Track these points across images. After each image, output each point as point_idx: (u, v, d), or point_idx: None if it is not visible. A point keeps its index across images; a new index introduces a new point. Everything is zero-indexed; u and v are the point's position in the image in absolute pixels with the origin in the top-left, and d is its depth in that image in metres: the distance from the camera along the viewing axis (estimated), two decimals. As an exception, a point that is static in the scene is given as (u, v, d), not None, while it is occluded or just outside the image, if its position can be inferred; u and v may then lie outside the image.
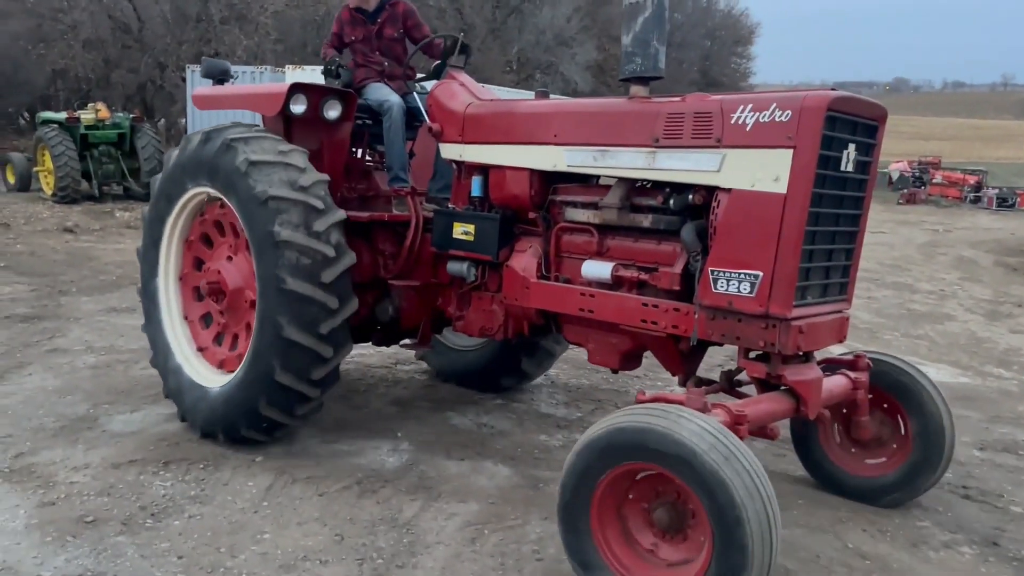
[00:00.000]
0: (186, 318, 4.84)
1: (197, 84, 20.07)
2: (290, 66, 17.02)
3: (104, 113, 16.72)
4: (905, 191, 32.93)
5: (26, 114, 25.96)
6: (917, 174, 40.26)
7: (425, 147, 5.02)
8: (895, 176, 42.67)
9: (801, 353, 3.37)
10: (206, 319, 4.79)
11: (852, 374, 3.81)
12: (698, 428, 2.73)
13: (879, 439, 4.04)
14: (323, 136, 4.66)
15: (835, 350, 4.88)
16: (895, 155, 62.17)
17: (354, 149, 5.22)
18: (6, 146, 22.50)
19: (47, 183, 16.44)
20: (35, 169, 16.95)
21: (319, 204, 4.10)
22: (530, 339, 4.74)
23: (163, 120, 26.94)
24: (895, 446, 4.02)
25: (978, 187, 32.93)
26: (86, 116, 16.49)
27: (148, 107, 25.36)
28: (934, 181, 34.45)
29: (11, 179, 17.67)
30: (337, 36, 5.48)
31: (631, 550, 2.98)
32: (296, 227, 4.00)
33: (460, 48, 4.87)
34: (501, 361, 5.52)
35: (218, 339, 4.71)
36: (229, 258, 4.53)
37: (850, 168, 3.33)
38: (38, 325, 7.11)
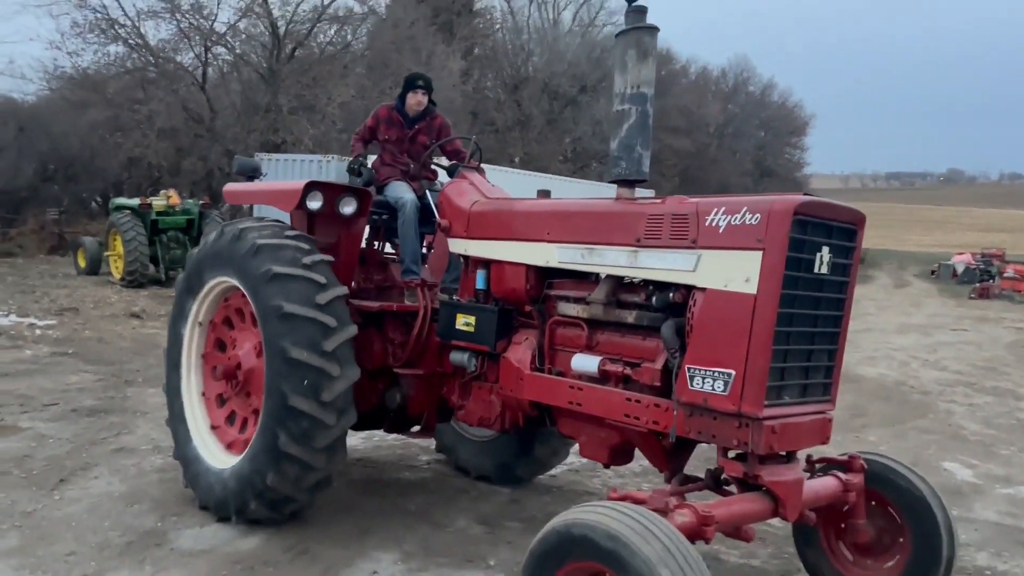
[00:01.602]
0: (203, 394, 5.08)
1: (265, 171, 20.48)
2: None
3: (175, 199, 17.12)
4: (977, 285, 31.77)
5: (99, 199, 26.76)
6: (982, 267, 39.14)
7: (442, 241, 5.25)
8: (960, 269, 41.51)
9: (783, 453, 3.41)
10: (220, 399, 5.04)
11: (844, 476, 3.76)
12: (639, 528, 2.77)
13: (878, 543, 3.95)
14: (340, 229, 4.98)
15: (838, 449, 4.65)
16: (955, 247, 60.94)
17: (374, 242, 5.63)
18: (79, 230, 23.20)
19: (116, 267, 16.77)
20: (106, 253, 17.31)
21: (321, 279, 4.37)
22: (532, 430, 4.86)
23: (228, 206, 27.50)
24: (894, 551, 3.90)
25: (1054, 282, 31.62)
26: (157, 202, 16.96)
27: (215, 193, 26.00)
28: (1005, 275, 33.18)
29: (82, 263, 18.11)
30: (371, 130, 5.82)
31: None
32: (300, 301, 4.28)
33: (473, 150, 5.30)
34: (515, 451, 5.59)
35: (230, 419, 4.94)
36: (246, 343, 4.78)
37: (825, 270, 3.41)
38: (105, 420, 7.05)
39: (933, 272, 43.03)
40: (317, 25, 26.48)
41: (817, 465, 3.91)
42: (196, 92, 25.36)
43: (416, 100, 5.72)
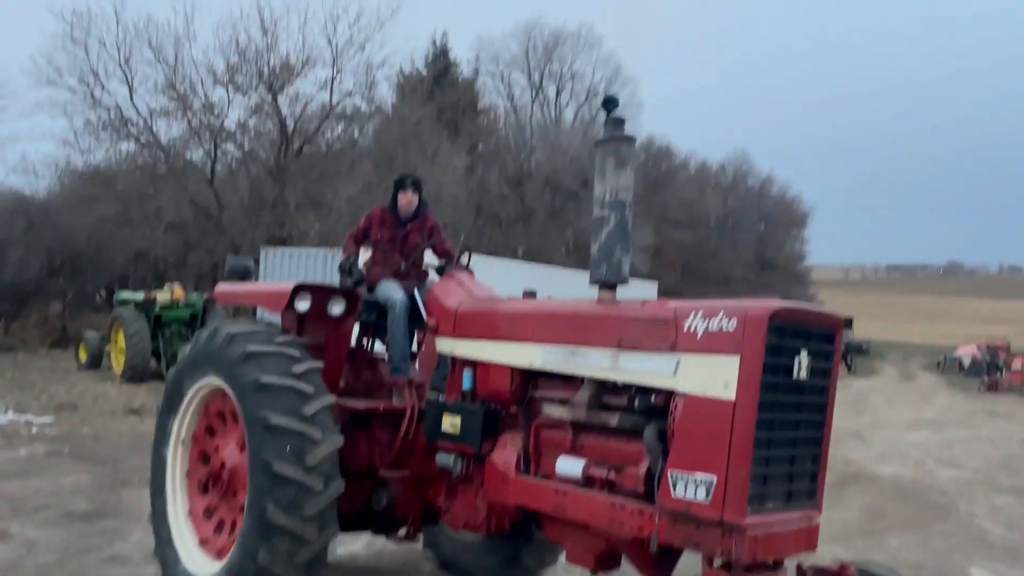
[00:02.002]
0: (189, 513, 4.97)
1: (270, 265, 20.63)
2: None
3: (179, 293, 17.13)
4: (986, 378, 31.45)
5: (103, 292, 26.81)
6: (988, 359, 38.90)
7: (432, 339, 5.25)
8: (966, 361, 41.23)
9: (770, 562, 3.35)
10: (207, 513, 4.94)
11: None
12: None
13: None
14: (329, 329, 5.01)
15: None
16: (959, 338, 60.70)
17: (364, 340, 5.66)
18: (82, 323, 23.09)
19: (117, 361, 16.64)
20: (107, 347, 17.17)
21: (309, 389, 4.34)
22: (518, 534, 4.78)
23: (233, 299, 27.48)
24: None
25: (1067, 374, 31.28)
26: (161, 296, 16.92)
27: (220, 286, 26.00)
28: (1013, 368, 32.88)
29: (83, 357, 17.99)
30: (364, 231, 5.91)
31: None
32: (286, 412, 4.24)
33: (462, 251, 5.44)
34: (503, 555, 5.50)
35: (219, 530, 4.85)
36: (229, 443, 4.76)
37: (804, 375, 3.41)
38: (97, 525, 6.79)
39: (939, 364, 42.78)
40: (324, 122, 27.06)
41: (808, 573, 3.74)
42: (204, 187, 25.76)
43: (407, 200, 5.82)
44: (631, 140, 3.95)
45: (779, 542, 3.35)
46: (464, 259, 5.47)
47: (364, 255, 5.92)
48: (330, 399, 4.42)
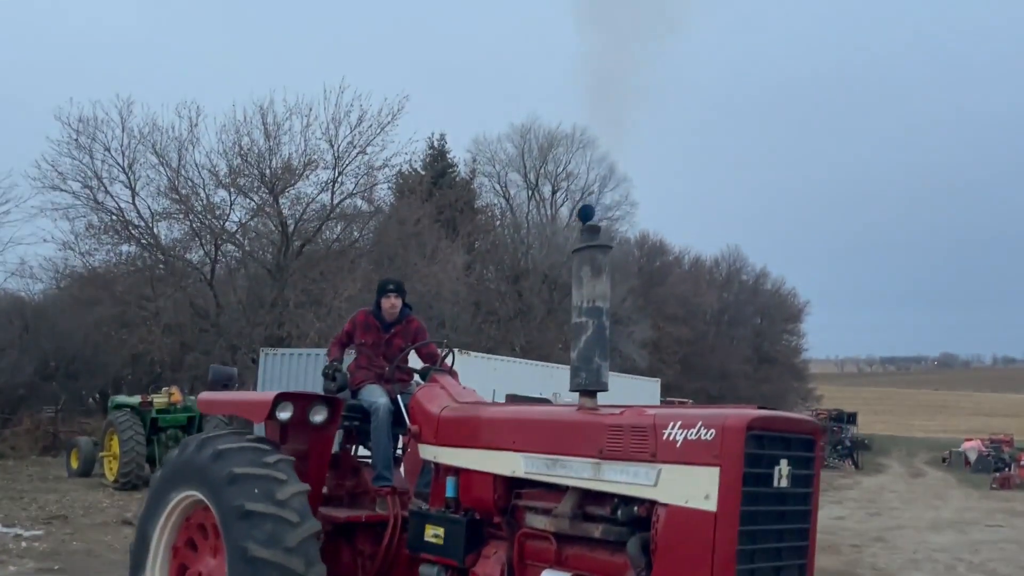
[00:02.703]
0: None
1: (268, 366, 20.31)
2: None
3: (176, 397, 16.79)
4: (997, 475, 30.82)
5: (97, 396, 26.32)
6: (995, 454, 38.37)
7: (416, 443, 5.23)
8: (972, 456, 40.69)
9: None
10: None
11: None
12: None
13: None
14: (311, 437, 5.00)
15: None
16: (960, 432, 60.03)
17: (348, 446, 5.64)
18: (74, 429, 22.62)
19: (110, 468, 16.22)
20: (101, 454, 16.75)
21: (294, 518, 4.29)
22: None
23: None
24: None
25: (1078, 471, 30.67)
26: (158, 400, 16.57)
27: (216, 388, 25.58)
28: (1022, 463, 32.28)
29: (75, 464, 17.57)
30: (348, 335, 5.93)
31: None
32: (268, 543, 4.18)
33: (446, 354, 5.42)
34: None
35: None
36: (210, 559, 4.70)
37: (785, 484, 3.39)
38: None
39: (944, 460, 42.13)
40: (325, 223, 27.17)
41: None
42: (203, 288, 25.64)
43: (390, 304, 5.83)
44: (606, 248, 3.99)
45: None
46: (448, 360, 5.46)
47: (348, 360, 5.95)
48: (315, 525, 4.37)
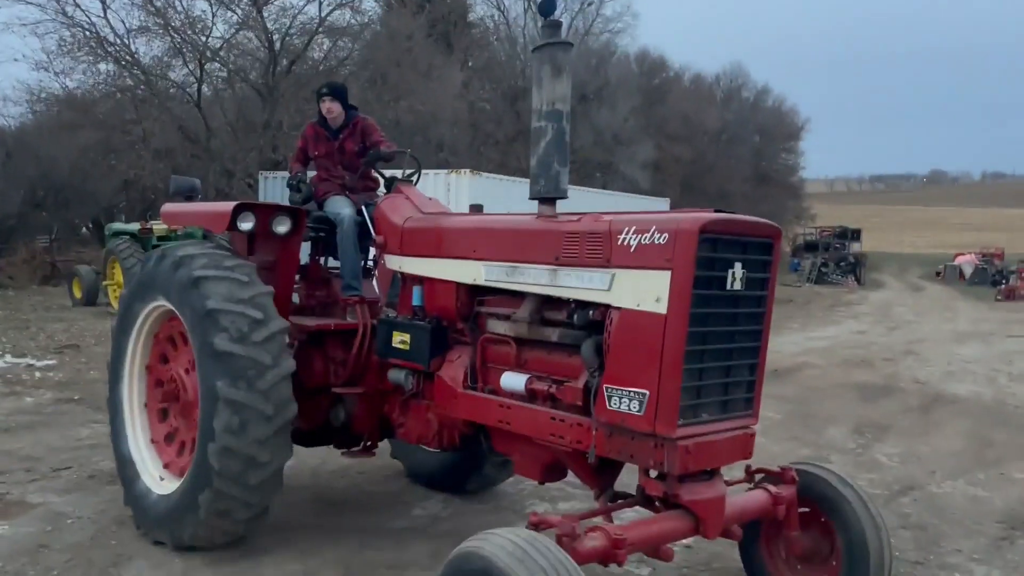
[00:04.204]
0: (153, 441, 5.12)
1: (268, 189, 19.46)
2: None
3: (177, 225, 15.88)
4: (1003, 287, 31.01)
5: (90, 225, 25.54)
6: (995, 268, 38.64)
7: None
8: (967, 271, 41.05)
9: (706, 471, 3.45)
10: (163, 416, 5.13)
11: (774, 489, 3.84)
12: (523, 555, 2.85)
13: (815, 554, 4.01)
14: (277, 248, 5.05)
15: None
16: (951, 247, 60.46)
17: (318, 257, 5.72)
18: (70, 258, 22.09)
19: (115, 297, 15.82)
20: (104, 283, 16.24)
21: (259, 315, 4.38)
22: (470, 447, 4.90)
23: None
24: (829, 561, 3.96)
25: (1077, 282, 30.82)
26: (158, 227, 15.84)
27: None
28: (1023, 275, 32.41)
29: (78, 293, 17.13)
30: (303, 151, 5.95)
31: None
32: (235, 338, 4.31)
33: (409, 163, 5.31)
34: (465, 464, 5.67)
35: (180, 452, 4.95)
36: (183, 366, 4.86)
37: (739, 286, 3.41)
38: None
39: (938, 274, 42.59)
40: (314, 38, 25.43)
41: (754, 476, 3.99)
42: (191, 110, 24.40)
43: (327, 109, 5.80)
44: (567, 46, 3.83)
45: (713, 451, 3.42)
46: (413, 175, 5.35)
47: (311, 174, 5.91)
48: (281, 323, 4.46)
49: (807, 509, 3.96)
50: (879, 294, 30.96)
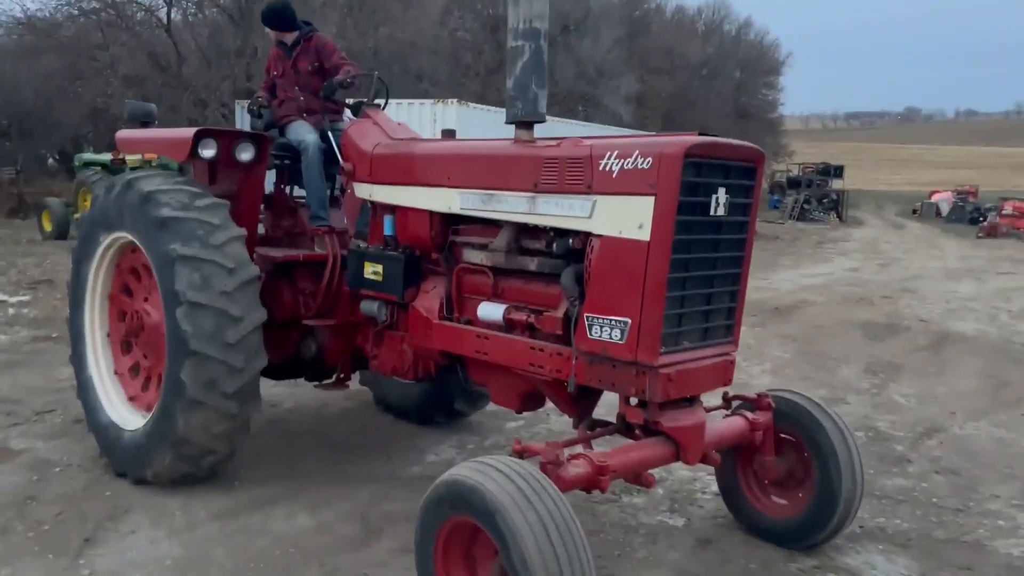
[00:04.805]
0: (116, 373, 5.04)
1: (245, 120, 18.64)
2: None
3: (151, 154, 15.21)
4: (984, 223, 31.05)
5: (57, 156, 24.55)
6: (972, 205, 38.73)
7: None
8: (944, 208, 41.14)
9: (686, 398, 3.45)
10: (126, 350, 5.05)
11: (751, 415, 3.90)
12: (506, 482, 2.85)
13: (789, 479, 4.10)
14: (240, 178, 4.84)
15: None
16: (925, 185, 60.53)
17: (284, 186, 5.51)
18: (39, 190, 21.22)
19: (89, 231, 14.93)
20: (75, 216, 15.59)
21: (230, 264, 4.24)
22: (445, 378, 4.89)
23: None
24: (803, 486, 4.05)
25: (1056, 218, 30.88)
26: (132, 158, 15.08)
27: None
28: (1003, 213, 32.44)
29: (48, 227, 16.51)
30: (268, 74, 5.74)
31: None
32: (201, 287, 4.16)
33: (377, 86, 5.02)
34: (435, 396, 5.68)
35: (146, 386, 4.87)
36: (148, 299, 4.73)
37: (722, 212, 3.35)
38: None
39: (915, 211, 42.62)
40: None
41: (731, 403, 4.05)
42: (161, 36, 23.33)
43: (272, 34, 5.67)
44: None
45: (693, 379, 3.41)
46: (380, 100, 5.07)
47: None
48: (253, 271, 4.33)
49: (785, 436, 4.03)
50: (862, 231, 30.85)
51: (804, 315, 11.23)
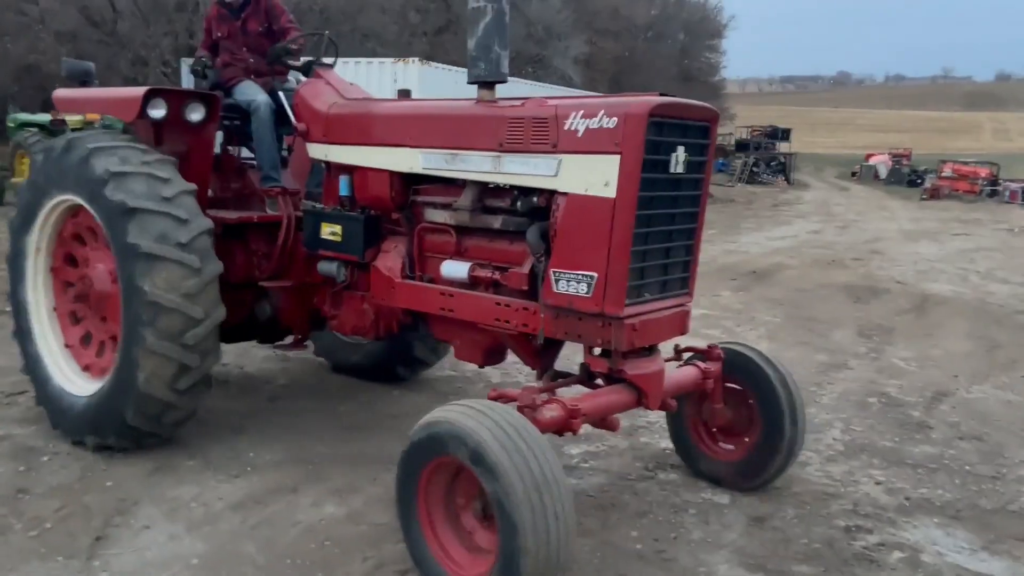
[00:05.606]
0: (66, 344, 4.89)
1: (190, 80, 17.77)
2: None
3: (94, 115, 14.36)
4: (927, 186, 31.78)
5: (-17, 116, 23.10)
6: (910, 168, 39.67)
7: (303, 144, 4.90)
8: (882, 171, 42.05)
9: (646, 347, 3.60)
10: (74, 320, 4.90)
11: (703, 364, 4.10)
12: (488, 421, 2.96)
13: (736, 425, 4.31)
14: (189, 139, 4.73)
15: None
16: (860, 148, 61.76)
17: (230, 148, 5.46)
18: (-34, 154, 19.81)
19: (27, 196, 14.07)
20: (12, 180, 14.68)
21: (183, 215, 4.19)
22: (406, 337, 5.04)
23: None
24: (749, 432, 4.26)
25: (993, 181, 31.76)
26: (72, 119, 14.25)
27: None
28: (943, 175, 33.26)
29: (-21, 192, 15.32)
30: (208, 34, 5.56)
31: (455, 535, 3.22)
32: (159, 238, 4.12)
33: (327, 46, 5.00)
34: (394, 351, 5.68)
35: (100, 353, 4.74)
36: (96, 263, 4.60)
37: (680, 169, 3.47)
38: None
39: (854, 174, 43.50)
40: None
41: (684, 354, 4.23)
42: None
43: None
44: None
45: (654, 329, 3.57)
46: (330, 59, 4.99)
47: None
48: (206, 222, 4.27)
49: (732, 385, 4.23)
50: (810, 193, 31.30)
51: (783, 278, 11.23)
